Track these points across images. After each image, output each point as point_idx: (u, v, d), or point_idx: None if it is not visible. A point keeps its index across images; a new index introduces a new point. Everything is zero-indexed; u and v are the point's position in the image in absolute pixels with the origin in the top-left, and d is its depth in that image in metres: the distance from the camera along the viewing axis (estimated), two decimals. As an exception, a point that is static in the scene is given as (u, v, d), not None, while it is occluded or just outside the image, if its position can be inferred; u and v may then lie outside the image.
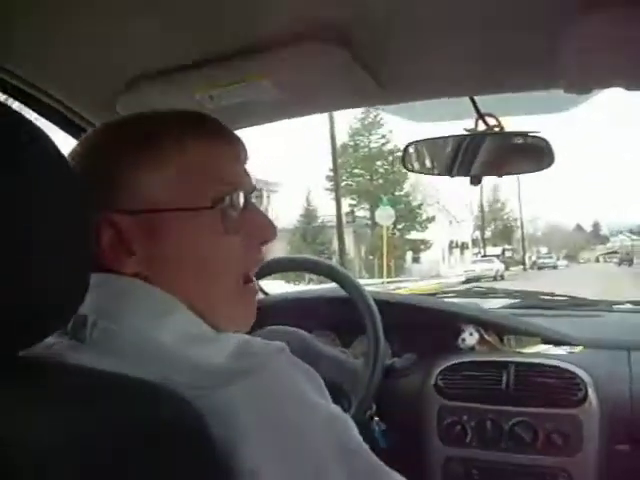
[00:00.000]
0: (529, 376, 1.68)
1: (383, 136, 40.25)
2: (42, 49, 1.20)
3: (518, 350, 1.83)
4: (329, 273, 1.77)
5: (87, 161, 0.80)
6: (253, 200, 0.85)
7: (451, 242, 46.65)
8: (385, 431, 1.73)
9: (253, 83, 1.30)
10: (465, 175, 1.62)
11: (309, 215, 37.68)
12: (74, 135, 1.45)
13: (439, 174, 1.68)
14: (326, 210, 34.50)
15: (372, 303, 1.67)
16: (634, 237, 61.96)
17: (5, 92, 1.31)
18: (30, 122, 0.60)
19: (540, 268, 46.95)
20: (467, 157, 1.59)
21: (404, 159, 1.67)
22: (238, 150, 0.85)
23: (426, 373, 1.80)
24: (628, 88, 1.30)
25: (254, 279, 0.87)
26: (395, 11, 1.12)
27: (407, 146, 1.66)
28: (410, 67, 1.35)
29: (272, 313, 1.72)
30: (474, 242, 51.17)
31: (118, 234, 0.76)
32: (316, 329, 1.91)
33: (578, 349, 1.80)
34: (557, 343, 1.84)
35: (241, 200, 0.81)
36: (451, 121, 1.72)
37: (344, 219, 25.77)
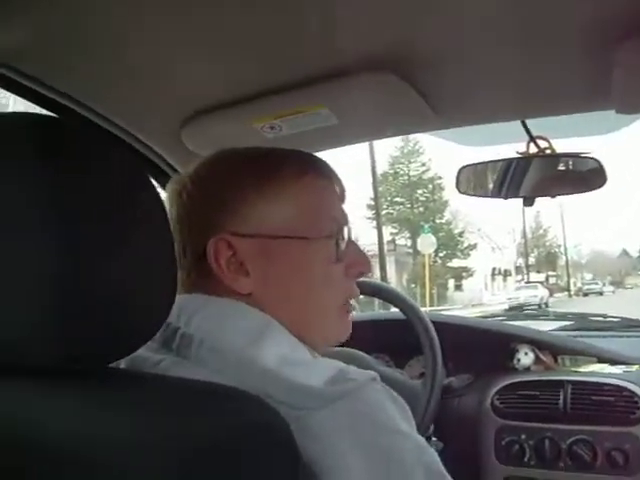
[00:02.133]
0: (586, 394, 1.69)
1: (423, 164, 40.22)
2: (110, 82, 1.27)
3: (573, 369, 1.84)
4: (385, 294, 1.80)
5: (209, 186, 0.88)
6: None
7: (494, 269, 46.15)
8: (442, 451, 1.75)
9: (312, 113, 1.36)
10: (517, 197, 1.65)
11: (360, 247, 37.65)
12: (143, 165, 1.52)
13: (492, 196, 1.72)
14: (367, 239, 34.50)
15: (429, 323, 1.69)
16: (682, 262, 60.73)
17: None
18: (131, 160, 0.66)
19: (585, 294, 46.05)
20: (520, 179, 1.62)
21: (457, 182, 1.71)
22: (342, 190, 0.95)
23: (482, 393, 1.81)
24: (678, 108, 1.32)
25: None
26: (445, 40, 1.18)
27: (461, 169, 1.70)
28: (462, 93, 1.40)
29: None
30: (517, 269, 50.55)
31: (235, 255, 0.84)
32: (370, 352, 1.93)
33: (634, 368, 1.80)
34: (613, 362, 1.84)
35: (346, 234, 0.91)
36: (503, 144, 1.75)
37: (385, 248, 25.69)
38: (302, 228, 0.87)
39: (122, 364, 0.75)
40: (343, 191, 0.95)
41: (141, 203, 0.65)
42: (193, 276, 0.87)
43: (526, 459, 1.68)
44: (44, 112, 1.31)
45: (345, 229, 0.92)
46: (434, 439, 1.74)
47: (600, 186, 1.55)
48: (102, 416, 0.58)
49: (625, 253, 74.10)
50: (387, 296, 1.79)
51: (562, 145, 1.63)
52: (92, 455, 0.54)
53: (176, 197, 0.90)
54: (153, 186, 0.68)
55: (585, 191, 1.61)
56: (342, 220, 0.92)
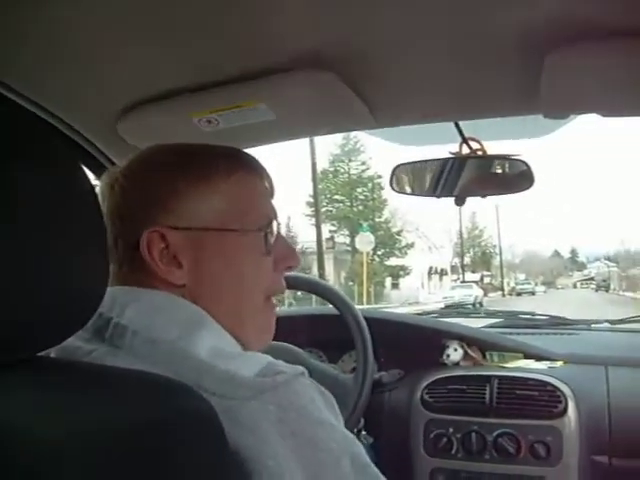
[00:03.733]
0: (512, 389, 1.75)
1: (363, 163, 40.55)
2: (44, 69, 1.25)
3: (501, 365, 1.90)
4: (321, 291, 1.82)
5: (142, 181, 0.89)
6: None
7: (430, 268, 46.76)
8: (373, 444, 1.78)
9: (250, 108, 1.37)
10: (449, 196, 1.69)
11: (289, 241, 37.67)
12: (77, 156, 1.51)
13: (425, 195, 1.76)
14: (306, 236, 34.57)
15: (362, 319, 1.72)
16: (611, 264, 62.49)
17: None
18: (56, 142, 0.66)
19: (519, 294, 47.05)
20: (451, 179, 1.67)
21: (391, 181, 1.75)
22: (272, 186, 0.98)
23: (412, 387, 1.85)
24: (604, 115, 1.38)
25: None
26: (383, 41, 1.20)
27: (395, 168, 1.73)
28: (399, 93, 1.43)
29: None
30: (453, 268, 51.31)
31: (168, 247, 0.86)
32: (304, 346, 1.95)
33: (558, 364, 1.87)
34: (538, 358, 1.91)
35: (275, 229, 0.94)
36: (437, 145, 1.79)
37: (324, 245, 25.80)
38: (233, 221, 0.89)
39: (52, 353, 0.75)
40: (272, 187, 0.98)
41: (73, 192, 0.64)
42: (125, 268, 0.88)
43: (453, 451, 1.73)
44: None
45: (274, 224, 0.94)
46: (364, 433, 1.77)
47: (527, 188, 1.60)
48: (27, 404, 0.58)
49: (557, 254, 76.05)
50: (321, 292, 1.81)
51: (494, 147, 1.68)
52: (14, 445, 0.54)
53: (109, 190, 0.90)
54: (86, 176, 0.68)
55: (513, 192, 1.67)
56: (271, 215, 0.95)
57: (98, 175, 1.51)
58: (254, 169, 0.95)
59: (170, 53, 1.23)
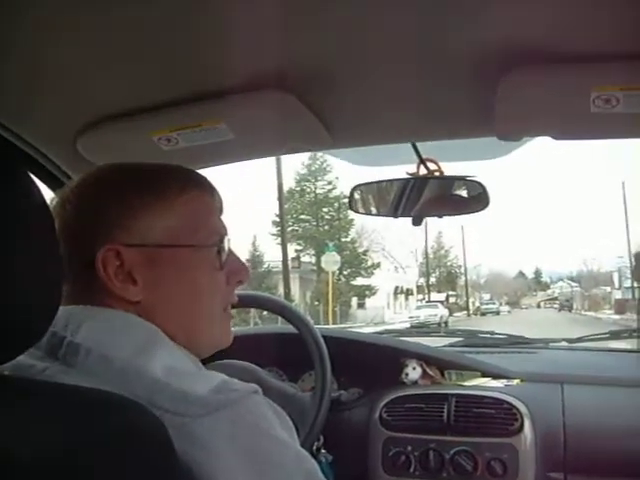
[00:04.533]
0: (469, 407, 1.76)
1: (329, 182, 40.64)
2: (3, 83, 1.24)
3: (459, 383, 1.92)
4: (280, 310, 1.82)
5: (94, 200, 0.90)
6: None
7: (396, 288, 46.92)
8: (332, 463, 1.78)
9: (209, 127, 1.38)
10: (407, 216, 1.72)
11: (255, 260, 37.56)
12: (34, 171, 1.50)
13: (384, 215, 1.78)
14: (272, 255, 34.50)
15: (320, 339, 1.73)
16: (573, 284, 63.30)
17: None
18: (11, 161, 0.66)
19: (483, 314, 47.34)
20: (409, 199, 1.69)
21: (350, 202, 1.77)
22: (221, 202, 1.00)
23: (371, 406, 1.86)
24: (556, 138, 1.41)
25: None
26: (341, 64, 1.23)
27: (353, 189, 1.76)
28: (357, 115, 1.46)
29: (221, 350, 1.77)
30: (419, 288, 51.49)
31: (122, 265, 0.87)
32: (265, 365, 1.95)
33: (515, 382, 1.89)
34: (495, 377, 1.93)
35: (227, 245, 0.96)
36: (395, 166, 1.82)
37: (290, 264, 25.78)
38: (186, 238, 0.91)
39: (6, 372, 0.75)
40: (222, 204, 1.01)
41: (26, 207, 0.65)
42: (79, 287, 0.88)
43: (411, 470, 1.74)
44: None
45: (226, 240, 0.96)
46: (323, 451, 1.77)
47: (483, 208, 1.63)
48: None
49: (521, 274, 76.79)
50: (280, 311, 1.81)
51: (451, 168, 1.71)
52: None
53: (60, 209, 0.91)
54: (39, 191, 0.68)
55: (469, 212, 1.70)
56: (222, 231, 0.97)
57: (55, 191, 1.50)
58: (205, 187, 0.97)
59: (131, 71, 1.24)
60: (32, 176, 0.68)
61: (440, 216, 1.78)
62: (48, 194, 0.82)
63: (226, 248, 0.96)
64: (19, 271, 0.63)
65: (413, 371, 1.95)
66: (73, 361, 0.79)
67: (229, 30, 1.10)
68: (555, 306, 54.11)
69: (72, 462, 0.59)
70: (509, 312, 49.71)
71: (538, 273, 79.22)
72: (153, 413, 0.69)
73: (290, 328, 1.79)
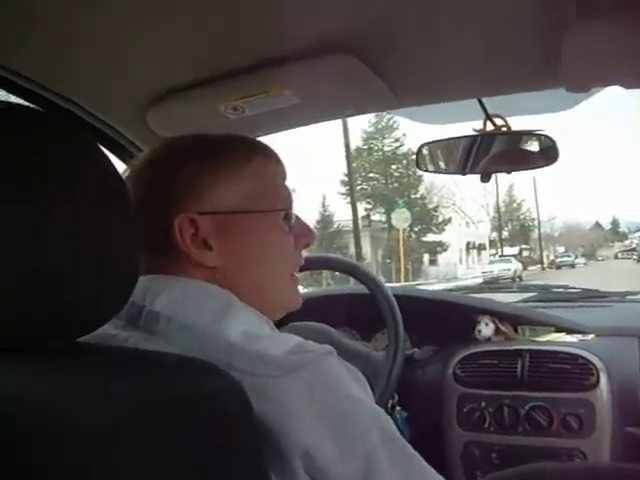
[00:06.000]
0: (543, 363, 1.76)
1: (397, 140, 40.22)
2: (73, 61, 1.28)
3: (532, 339, 1.91)
4: (351, 270, 1.84)
5: (168, 169, 0.94)
6: None
7: (468, 244, 46.45)
8: (407, 419, 1.81)
9: (274, 94, 1.40)
10: (475, 173, 1.70)
11: (325, 220, 37.72)
12: (106, 145, 1.55)
13: (451, 173, 1.77)
14: (342, 215, 34.53)
15: (392, 297, 1.74)
16: (653, 233, 61.38)
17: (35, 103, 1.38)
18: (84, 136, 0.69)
19: (558, 267, 46.41)
20: (477, 156, 1.68)
21: (417, 160, 1.76)
22: (284, 169, 1.03)
23: (444, 363, 1.88)
24: (626, 87, 1.37)
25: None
26: (401, 20, 1.22)
27: (420, 147, 1.75)
28: (420, 73, 1.44)
29: (296, 312, 1.80)
30: (491, 243, 50.84)
31: (197, 232, 0.90)
32: (338, 325, 1.98)
33: (590, 337, 1.87)
34: (570, 331, 1.91)
35: (292, 209, 1.00)
36: (461, 122, 1.80)
37: (360, 223, 25.75)
38: (256, 204, 0.95)
39: (91, 341, 0.79)
40: (285, 171, 1.03)
41: (100, 181, 0.67)
42: (156, 256, 0.91)
43: (486, 425, 1.76)
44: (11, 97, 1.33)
45: (292, 204, 1.00)
46: (398, 408, 1.80)
47: (552, 162, 1.61)
48: (67, 386, 0.61)
49: (597, 225, 74.84)
50: (351, 271, 1.83)
51: (518, 122, 1.68)
52: (47, 421, 0.57)
53: (134, 181, 0.94)
54: (112, 164, 0.70)
55: (538, 167, 1.67)
56: (288, 196, 1.00)
57: (127, 162, 1.55)
58: (269, 155, 1.00)
59: (195, 41, 1.26)
60: (104, 150, 0.71)
61: (509, 172, 1.76)
62: (120, 166, 0.85)
63: (293, 212, 0.99)
64: (99, 243, 0.65)
65: (486, 327, 1.95)
66: (154, 329, 0.82)
67: None
68: (634, 257, 52.66)
69: (154, 421, 0.62)
70: (585, 264, 48.57)
71: (615, 223, 77.06)
72: (232, 377, 0.71)
73: (361, 288, 1.81)
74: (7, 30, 1.12)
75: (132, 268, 0.71)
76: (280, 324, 0.99)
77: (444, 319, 2.01)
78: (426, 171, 1.81)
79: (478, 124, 1.63)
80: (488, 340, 1.95)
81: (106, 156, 0.70)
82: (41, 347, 0.66)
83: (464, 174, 1.72)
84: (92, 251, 0.65)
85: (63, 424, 0.57)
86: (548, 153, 1.62)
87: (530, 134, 1.65)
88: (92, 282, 0.65)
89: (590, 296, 2.41)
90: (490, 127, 1.61)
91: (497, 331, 1.95)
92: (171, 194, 0.91)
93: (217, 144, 0.98)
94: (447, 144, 1.75)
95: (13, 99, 1.33)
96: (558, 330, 1.93)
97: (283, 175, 1.02)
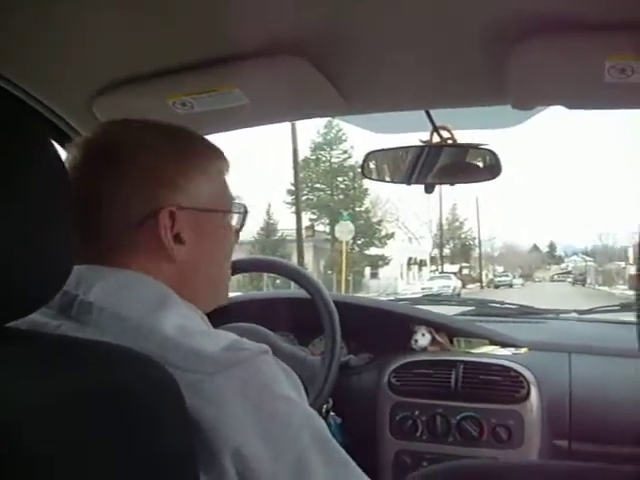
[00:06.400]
0: (476, 374, 1.79)
1: (345, 151, 40.38)
2: (20, 46, 1.25)
3: (467, 350, 1.94)
4: (293, 274, 1.84)
5: (139, 161, 0.90)
6: None
7: (410, 259, 46.85)
8: (341, 425, 1.82)
9: (223, 92, 1.39)
10: (421, 183, 1.72)
11: (269, 228, 37.65)
12: (51, 135, 1.52)
13: (396, 182, 1.79)
14: (286, 224, 34.53)
15: (331, 303, 1.75)
16: (587, 258, 62.92)
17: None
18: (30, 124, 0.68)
19: (497, 286, 47.07)
20: (423, 167, 1.70)
21: (363, 168, 1.78)
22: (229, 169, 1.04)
23: (380, 371, 1.89)
24: (569, 107, 1.41)
25: None
26: (357, 29, 1.23)
27: (367, 155, 1.76)
28: (370, 80, 1.45)
29: (234, 313, 1.79)
30: (432, 259, 51.39)
31: (172, 226, 0.89)
32: (276, 329, 1.98)
33: (523, 350, 1.91)
34: (504, 345, 1.95)
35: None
36: (409, 133, 1.82)
37: (304, 233, 25.80)
38: (222, 203, 0.98)
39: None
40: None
41: (42, 168, 0.66)
42: (125, 245, 0.89)
43: (418, 434, 1.77)
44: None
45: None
46: (332, 414, 1.80)
47: (494, 177, 1.64)
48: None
49: (535, 248, 76.44)
50: (293, 275, 1.83)
51: (464, 136, 1.71)
52: None
53: (103, 170, 0.90)
54: (57, 153, 0.70)
55: (481, 180, 1.70)
56: (232, 196, 1.03)
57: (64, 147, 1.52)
58: (222, 153, 1.01)
59: (148, 34, 1.25)
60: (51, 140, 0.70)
61: (452, 184, 1.79)
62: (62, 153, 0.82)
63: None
64: (35, 230, 0.64)
65: (422, 337, 1.97)
66: (86, 319, 0.81)
67: None
68: (569, 280, 53.85)
69: (76, 406, 0.61)
70: (522, 285, 49.47)
71: (552, 247, 78.79)
72: (164, 368, 0.71)
73: (302, 293, 1.81)
74: None
75: (65, 256, 0.70)
76: (217, 324, 0.98)
77: (382, 327, 2.03)
78: (371, 179, 1.83)
79: (425, 135, 1.65)
80: (424, 350, 1.97)
81: (53, 146, 0.69)
82: None
83: (409, 184, 1.75)
84: (23, 237, 0.64)
85: None
86: (491, 167, 1.66)
87: (475, 147, 1.68)
88: (22, 268, 0.64)
89: (525, 312, 2.45)
90: (437, 139, 1.64)
91: (433, 341, 1.98)
92: (152, 185, 0.89)
93: (184, 138, 0.98)
94: (394, 154, 1.77)
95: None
96: (493, 343, 1.96)
97: (228, 173, 1.03)
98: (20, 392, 0.58)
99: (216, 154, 0.99)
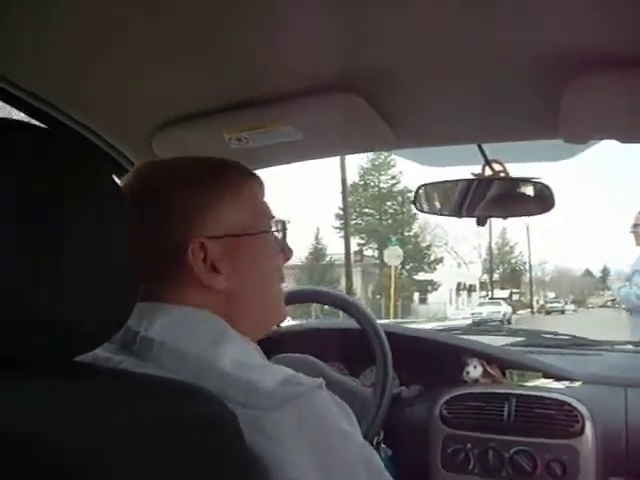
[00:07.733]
0: (529, 408, 1.76)
1: (393, 177, 40.46)
2: (84, 83, 1.30)
3: (520, 383, 1.92)
4: (342, 304, 1.85)
5: (172, 195, 0.94)
6: None
7: (459, 284, 46.49)
8: (392, 457, 1.81)
9: (278, 129, 1.42)
10: (472, 216, 1.73)
11: (317, 253, 37.74)
12: (112, 169, 1.57)
13: (448, 215, 1.80)
14: (335, 249, 34.58)
15: (383, 334, 1.75)
16: (643, 284, 61.35)
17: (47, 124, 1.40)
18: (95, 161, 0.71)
19: (548, 312, 46.24)
20: (474, 199, 1.70)
21: (415, 200, 1.79)
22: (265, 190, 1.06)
23: (431, 403, 1.88)
24: (623, 141, 1.41)
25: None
26: (406, 64, 1.25)
27: (419, 188, 1.77)
28: (420, 115, 1.47)
29: (286, 344, 1.81)
30: (482, 285, 50.84)
31: (205, 257, 0.91)
32: (327, 359, 1.98)
33: (577, 384, 1.88)
34: (557, 378, 1.92)
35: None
36: (460, 166, 1.83)
37: (352, 258, 25.78)
38: (255, 225, 0.98)
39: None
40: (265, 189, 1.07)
41: (111, 208, 0.69)
42: (162, 281, 0.92)
43: (470, 467, 1.75)
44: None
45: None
46: (383, 446, 1.80)
47: (548, 210, 1.63)
48: (66, 410, 0.62)
49: (588, 273, 74.83)
50: (344, 306, 1.84)
51: (517, 169, 1.71)
52: (47, 446, 0.58)
53: (137, 206, 0.92)
54: (121, 190, 0.73)
55: (534, 214, 1.69)
56: (272, 214, 1.05)
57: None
58: (255, 176, 1.03)
59: (201, 74, 1.28)
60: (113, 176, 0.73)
61: (505, 217, 1.78)
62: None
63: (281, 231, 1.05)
64: (101, 267, 0.67)
65: (474, 370, 1.96)
66: (146, 355, 0.84)
67: (298, 33, 1.12)
68: (623, 307, 52.58)
69: (139, 441, 0.63)
70: (575, 311, 48.41)
71: (605, 271, 77.15)
72: (224, 403, 0.73)
73: (353, 323, 1.82)
74: (30, 50, 1.14)
75: (131, 290, 0.73)
76: (269, 355, 1.01)
77: (433, 359, 2.02)
78: (422, 211, 1.84)
79: (477, 168, 1.66)
80: (476, 382, 1.95)
81: (117, 183, 0.72)
82: (39, 363, 0.66)
83: (460, 217, 1.75)
84: (94, 274, 0.66)
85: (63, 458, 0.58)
86: (544, 201, 1.65)
87: (527, 181, 1.67)
88: (89, 303, 0.67)
89: (579, 344, 2.41)
90: (488, 172, 1.64)
91: (485, 373, 1.96)
92: (178, 220, 0.92)
93: (215, 168, 1.00)
94: (445, 186, 1.78)
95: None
96: (546, 376, 1.93)
97: (264, 193, 1.05)
98: (86, 426, 0.60)
99: (248, 177, 1.01)
